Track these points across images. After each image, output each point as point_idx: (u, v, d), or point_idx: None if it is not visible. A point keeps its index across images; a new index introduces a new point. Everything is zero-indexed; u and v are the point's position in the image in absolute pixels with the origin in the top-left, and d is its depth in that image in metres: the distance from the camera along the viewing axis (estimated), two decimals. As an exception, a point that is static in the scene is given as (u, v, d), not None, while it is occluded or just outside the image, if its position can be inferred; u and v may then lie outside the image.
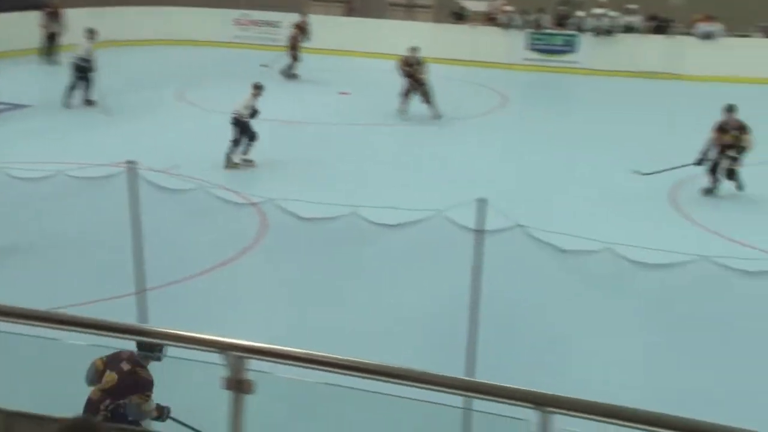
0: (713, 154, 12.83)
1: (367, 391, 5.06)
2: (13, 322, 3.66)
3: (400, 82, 17.44)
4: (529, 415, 2.95)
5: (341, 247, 10.51)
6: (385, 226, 10.83)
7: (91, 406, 5.72)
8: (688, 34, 22.18)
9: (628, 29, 22.43)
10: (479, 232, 7.20)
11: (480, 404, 6.16)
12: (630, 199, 12.57)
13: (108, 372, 5.84)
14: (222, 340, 3.36)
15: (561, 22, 23.50)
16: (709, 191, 12.94)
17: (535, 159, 14.72)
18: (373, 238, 10.95)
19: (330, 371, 3.32)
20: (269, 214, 11.02)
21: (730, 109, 12.91)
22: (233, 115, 13.62)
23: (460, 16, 24.93)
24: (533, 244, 9.98)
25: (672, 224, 11.62)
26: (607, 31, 22.58)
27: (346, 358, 3.28)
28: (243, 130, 13.60)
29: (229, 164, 13.58)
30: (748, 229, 11.28)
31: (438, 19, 25.84)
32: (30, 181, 11.29)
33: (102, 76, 17.13)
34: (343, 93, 19.45)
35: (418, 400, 5.15)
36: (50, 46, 21.67)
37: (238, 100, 13.84)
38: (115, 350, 5.88)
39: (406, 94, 17.35)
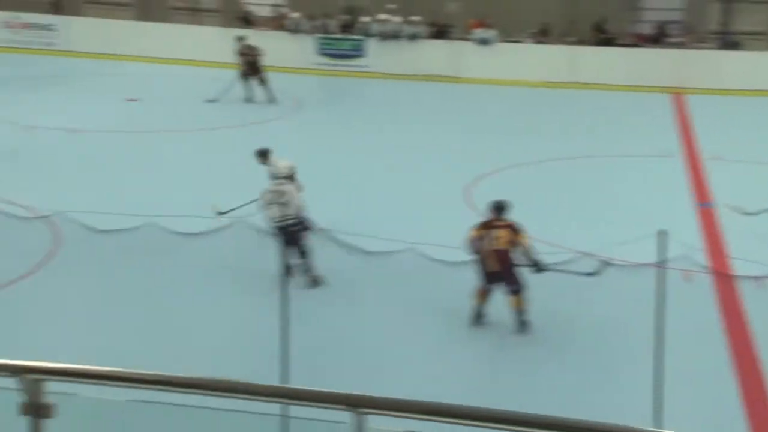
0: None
1: (180, 405, 4.96)
2: None
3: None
4: (345, 417, 3.04)
5: (140, 258, 10.15)
6: (184, 235, 10.58)
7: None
8: (465, 39, 23.30)
9: (412, 37, 23.23)
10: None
11: (297, 410, 6.20)
12: (428, 200, 12.93)
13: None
14: (14, 363, 3.19)
15: (346, 27, 23.95)
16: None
17: (331, 162, 14.87)
18: (173, 247, 10.66)
19: (137, 387, 3.22)
20: (62, 227, 10.45)
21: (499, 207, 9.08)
22: None
23: (247, 21, 24.77)
24: (338, 248, 10.13)
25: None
26: (393, 36, 23.27)
27: (153, 372, 3.19)
28: None
29: None
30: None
31: (225, 24, 25.52)
32: None
33: None
34: (131, 99, 18.77)
35: (234, 410, 5.13)
36: None
37: None
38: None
39: (245, 78, 19.01)
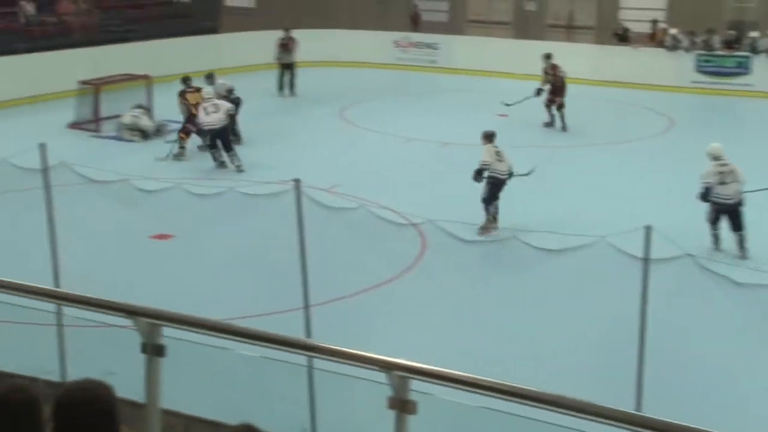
0: None
1: (529, 418, 4.99)
2: (189, 330, 3.84)
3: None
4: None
5: (502, 270, 10.43)
6: (546, 251, 10.66)
7: None
8: None
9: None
10: (645, 261, 6.97)
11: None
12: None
13: None
14: (387, 360, 3.38)
15: (731, 44, 22.53)
16: None
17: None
18: (534, 262, 10.79)
19: (493, 396, 3.27)
20: (429, 235, 11.08)
21: None
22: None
23: (623, 38, 24.34)
24: (704, 275, 9.56)
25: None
26: (785, 53, 21.48)
27: (509, 383, 3.23)
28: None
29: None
30: None
31: (600, 41, 25.34)
32: (203, 197, 11.85)
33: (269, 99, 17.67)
34: (502, 115, 19.34)
35: (581, 431, 5.04)
36: (286, 79, 21.72)
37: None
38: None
39: (549, 104, 18.02)
